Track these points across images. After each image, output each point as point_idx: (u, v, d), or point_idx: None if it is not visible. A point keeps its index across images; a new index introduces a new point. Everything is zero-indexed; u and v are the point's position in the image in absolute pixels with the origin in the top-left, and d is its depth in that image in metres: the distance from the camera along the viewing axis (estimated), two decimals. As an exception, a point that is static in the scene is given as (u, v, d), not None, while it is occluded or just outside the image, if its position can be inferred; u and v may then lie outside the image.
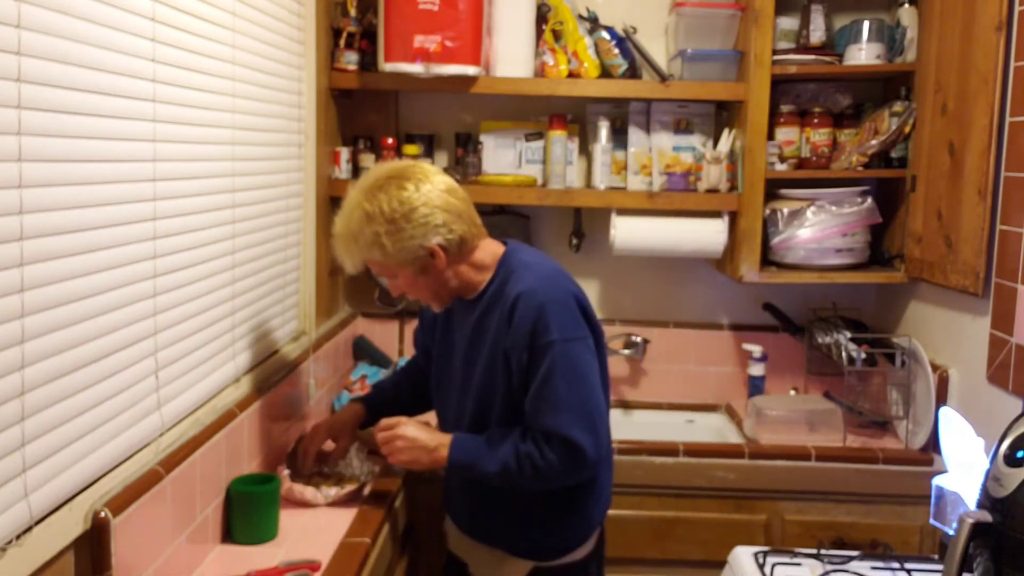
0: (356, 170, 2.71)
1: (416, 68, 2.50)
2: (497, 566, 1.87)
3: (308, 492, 2.00)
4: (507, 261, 1.79)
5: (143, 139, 1.48)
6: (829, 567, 1.74)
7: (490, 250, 1.81)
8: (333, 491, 2.01)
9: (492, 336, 1.75)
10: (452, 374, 1.87)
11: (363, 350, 2.88)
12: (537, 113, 2.81)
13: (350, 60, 2.61)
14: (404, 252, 1.69)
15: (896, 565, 1.75)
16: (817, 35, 2.63)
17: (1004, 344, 2.05)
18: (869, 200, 2.63)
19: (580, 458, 1.67)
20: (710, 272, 2.90)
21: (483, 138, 2.78)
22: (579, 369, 1.68)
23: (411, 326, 2.91)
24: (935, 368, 2.42)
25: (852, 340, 2.60)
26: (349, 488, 2.02)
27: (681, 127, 2.78)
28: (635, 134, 2.78)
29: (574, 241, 2.88)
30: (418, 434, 1.79)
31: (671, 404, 2.92)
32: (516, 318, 1.69)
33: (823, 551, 1.80)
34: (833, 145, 2.70)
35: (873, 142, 2.58)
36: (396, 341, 2.94)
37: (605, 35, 2.67)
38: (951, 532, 1.62)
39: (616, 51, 2.66)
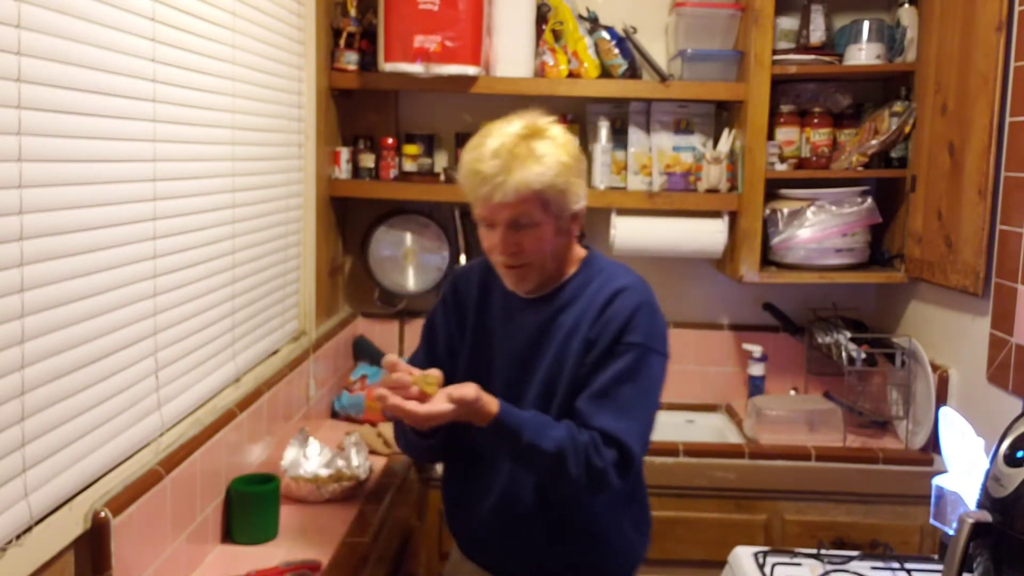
0: (356, 170, 2.72)
1: (416, 68, 2.50)
2: None
3: (305, 488, 2.00)
4: (594, 262, 1.71)
5: (143, 139, 1.48)
6: (829, 567, 1.74)
7: (577, 247, 1.73)
8: (331, 487, 2.01)
9: (568, 331, 1.62)
10: (490, 377, 1.64)
11: (363, 350, 2.88)
12: (537, 113, 2.80)
13: (350, 60, 2.61)
14: (574, 200, 1.61)
15: (896, 565, 1.75)
16: (817, 35, 2.63)
17: (1004, 344, 2.05)
18: (869, 200, 2.63)
19: (626, 469, 1.56)
20: (710, 272, 2.90)
21: (483, 138, 2.77)
22: (652, 382, 1.60)
23: (411, 326, 2.92)
24: (935, 368, 2.42)
25: (852, 340, 2.60)
26: (347, 485, 2.02)
27: (681, 127, 2.78)
28: (635, 134, 2.78)
29: (574, 241, 2.88)
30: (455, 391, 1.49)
31: (671, 404, 2.91)
32: (612, 310, 1.60)
33: (823, 551, 1.80)
34: (833, 145, 2.70)
35: (873, 142, 2.58)
36: (396, 341, 2.94)
37: (605, 35, 2.67)
38: (951, 532, 1.62)
39: (616, 51, 2.66)
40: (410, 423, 1.48)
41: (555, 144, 1.56)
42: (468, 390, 1.45)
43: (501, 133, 1.57)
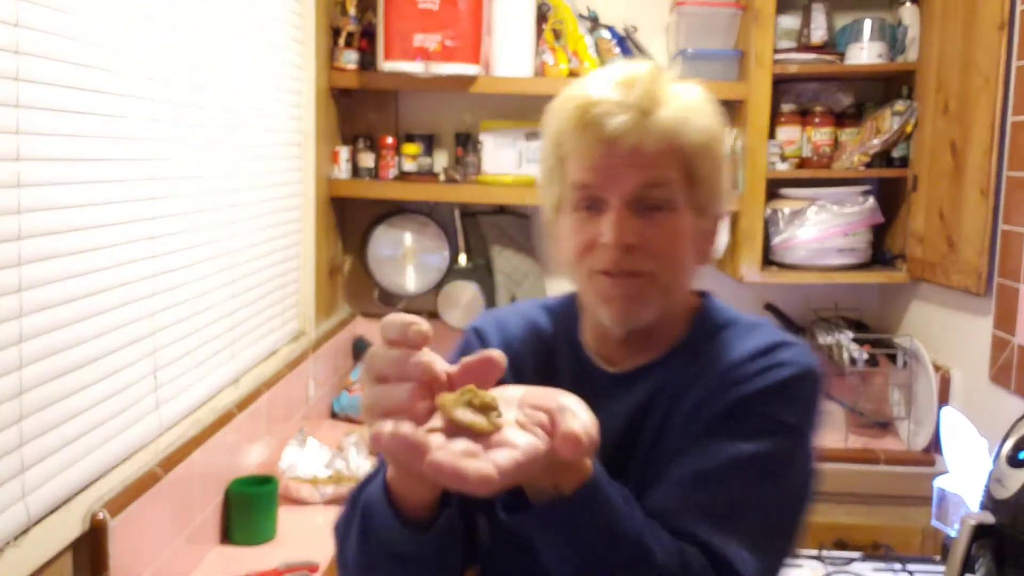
0: (356, 169, 2.71)
1: (416, 67, 2.49)
2: None
3: (304, 490, 2.00)
4: (716, 312, 1.08)
5: (141, 138, 1.48)
6: (831, 568, 1.73)
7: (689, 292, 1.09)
8: (330, 489, 2.00)
9: (681, 422, 0.97)
10: None
11: (363, 350, 2.88)
12: (537, 112, 2.75)
13: (349, 59, 2.60)
14: (724, 191, 1.04)
15: (898, 566, 1.75)
16: (818, 34, 2.62)
17: (1006, 344, 2.05)
18: (871, 200, 2.62)
19: None
20: (711, 272, 2.90)
21: (483, 137, 2.77)
22: (797, 489, 0.97)
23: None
24: (937, 368, 2.41)
25: (854, 340, 2.60)
26: (347, 486, 2.02)
27: (682, 127, 2.77)
28: (636, 134, 2.77)
29: (574, 241, 2.87)
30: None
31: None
32: (756, 373, 0.96)
33: (824, 552, 1.79)
34: (834, 144, 2.69)
35: (875, 141, 2.57)
36: (396, 341, 2.93)
37: (605, 34, 2.66)
38: (953, 534, 1.61)
39: (616, 50, 2.66)
40: (451, 485, 0.65)
41: (711, 102, 1.03)
42: (584, 417, 0.71)
43: (624, 67, 1.02)
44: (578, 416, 0.69)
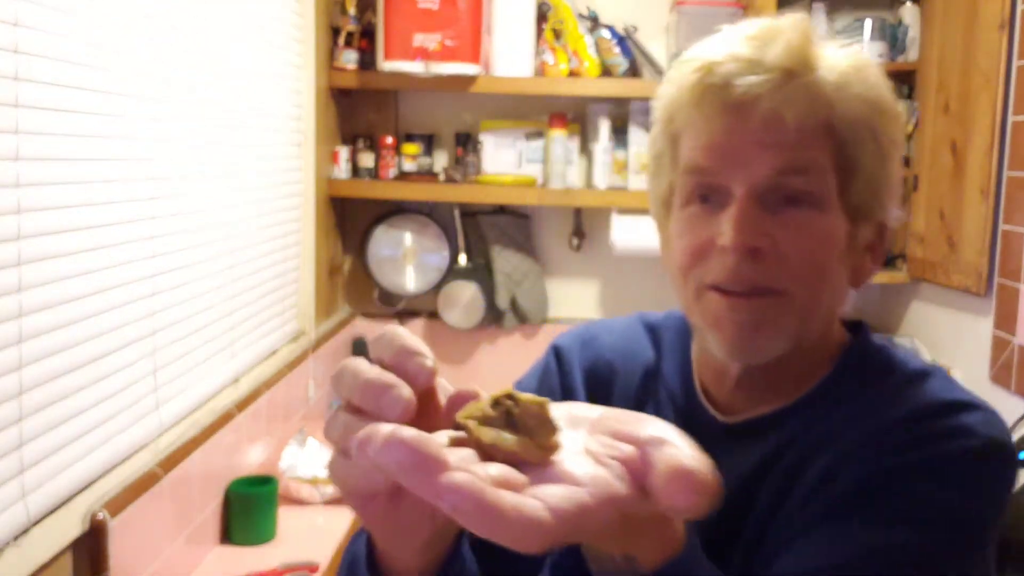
0: (356, 169, 2.71)
1: (416, 67, 2.49)
2: None
3: (304, 490, 2.00)
4: (869, 353, 0.82)
5: (140, 138, 1.47)
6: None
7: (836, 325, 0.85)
8: (331, 489, 2.00)
9: (814, 485, 0.73)
10: None
11: (363, 350, 2.87)
12: (537, 112, 2.80)
13: (349, 59, 2.60)
14: (892, 187, 0.78)
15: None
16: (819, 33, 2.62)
17: (1007, 344, 2.04)
18: (870, 200, 2.62)
19: None
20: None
21: (483, 137, 2.77)
22: None
23: (411, 326, 2.91)
24: (937, 368, 2.41)
25: (853, 340, 2.59)
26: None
27: (682, 126, 2.77)
28: (636, 133, 2.77)
29: (574, 241, 2.87)
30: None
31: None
32: (928, 451, 0.72)
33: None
34: (834, 144, 2.69)
35: (875, 141, 2.57)
36: (396, 341, 2.92)
37: (605, 34, 2.66)
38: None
39: (617, 50, 2.65)
40: (478, 527, 0.39)
41: (879, 70, 0.77)
42: (696, 454, 0.44)
43: (761, 20, 0.77)
44: (686, 452, 0.43)
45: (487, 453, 0.43)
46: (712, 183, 0.74)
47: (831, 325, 0.82)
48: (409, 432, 0.40)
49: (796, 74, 0.71)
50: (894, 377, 0.78)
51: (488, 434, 0.44)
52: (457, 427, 0.45)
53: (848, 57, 0.75)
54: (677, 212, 0.78)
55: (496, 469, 0.42)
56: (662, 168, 0.80)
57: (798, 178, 0.72)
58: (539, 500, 0.40)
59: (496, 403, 0.45)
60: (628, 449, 0.44)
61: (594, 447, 0.45)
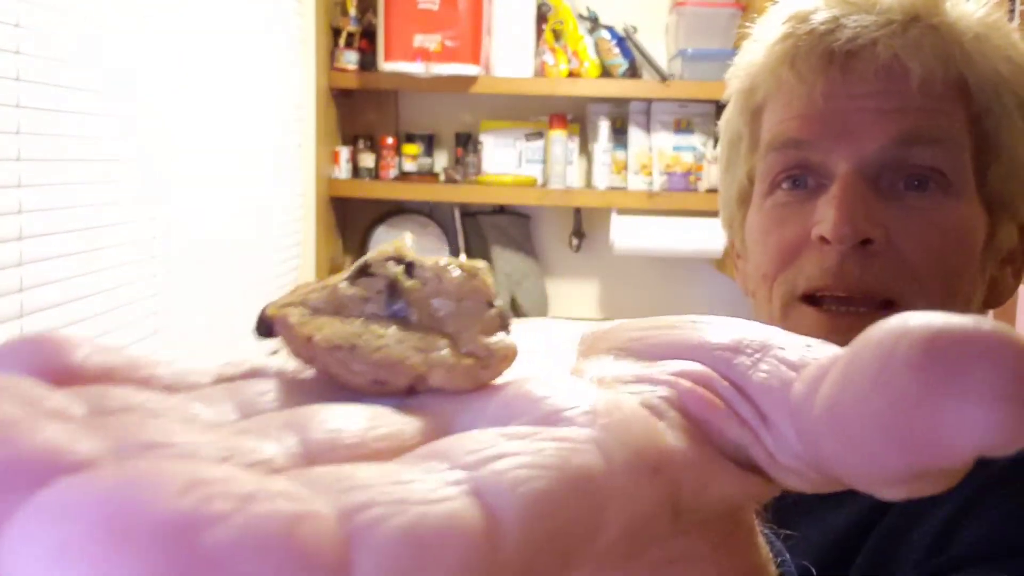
0: (356, 170, 2.71)
1: (416, 68, 2.50)
2: None
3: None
4: None
5: (141, 139, 1.48)
6: (830, 568, 1.73)
7: None
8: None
9: (923, 554, 0.55)
10: None
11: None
12: (537, 113, 2.80)
13: (350, 60, 2.61)
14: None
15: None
16: (818, 35, 2.63)
17: (1005, 344, 2.05)
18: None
19: None
20: (711, 272, 2.90)
21: (483, 138, 2.77)
22: None
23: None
24: (936, 368, 2.41)
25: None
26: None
27: (681, 127, 2.77)
28: (635, 134, 2.78)
29: (574, 241, 2.88)
30: None
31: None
32: None
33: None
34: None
35: (874, 142, 2.57)
36: (396, 341, 2.93)
37: (605, 35, 2.66)
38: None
39: (616, 51, 2.66)
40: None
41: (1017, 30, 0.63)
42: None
43: None
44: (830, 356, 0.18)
45: (333, 377, 0.20)
46: (807, 160, 0.57)
47: None
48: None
49: (920, 17, 0.55)
50: None
51: (336, 330, 0.20)
52: (266, 326, 0.23)
53: (982, 8, 0.59)
54: (757, 203, 0.61)
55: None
56: (738, 157, 0.64)
57: (925, 150, 0.55)
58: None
59: (363, 271, 0.21)
60: (693, 369, 0.20)
61: (610, 371, 0.20)
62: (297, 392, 0.20)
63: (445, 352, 0.18)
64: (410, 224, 2.83)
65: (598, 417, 0.15)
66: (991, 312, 0.64)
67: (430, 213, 2.84)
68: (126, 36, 1.42)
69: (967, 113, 0.56)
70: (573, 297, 2.92)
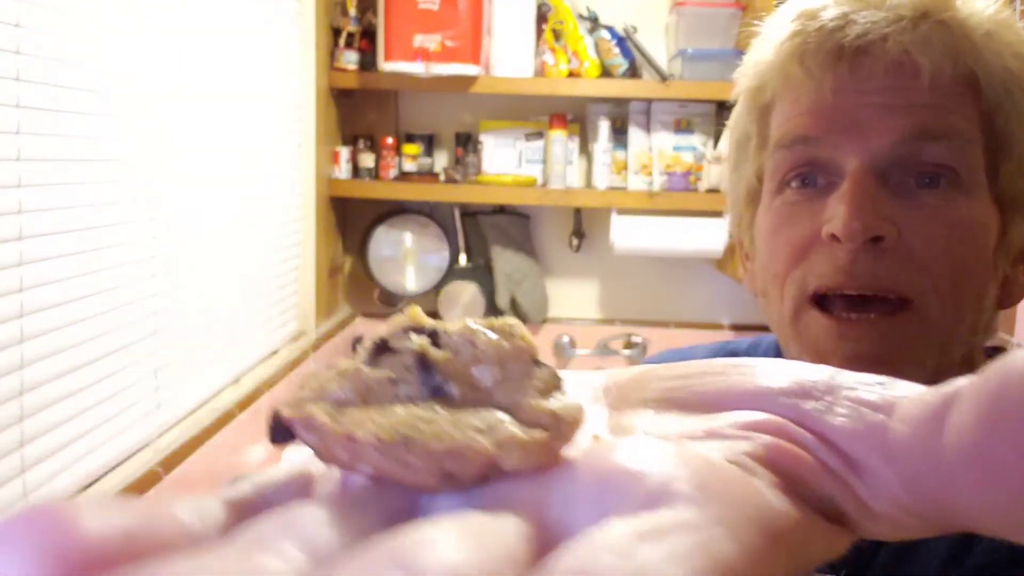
0: (356, 170, 2.71)
1: (416, 68, 2.50)
2: None
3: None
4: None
5: (141, 139, 1.48)
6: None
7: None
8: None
9: (927, 568, 0.56)
10: None
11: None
12: (537, 113, 2.80)
13: (350, 60, 2.61)
14: None
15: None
16: (818, 34, 2.63)
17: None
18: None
19: None
20: (711, 272, 2.90)
21: (483, 138, 2.77)
22: None
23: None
24: (936, 368, 2.41)
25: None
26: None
27: (681, 127, 2.78)
28: (635, 134, 2.78)
29: (574, 241, 2.88)
30: None
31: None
32: None
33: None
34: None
35: (874, 142, 2.57)
36: (396, 341, 2.93)
37: (605, 35, 2.66)
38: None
39: (616, 51, 2.66)
40: None
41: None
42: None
43: None
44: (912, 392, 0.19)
45: (386, 477, 0.18)
46: (816, 157, 0.57)
47: (974, 355, 0.60)
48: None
49: (930, 13, 0.54)
50: None
51: (379, 422, 0.18)
52: (284, 431, 0.22)
53: (992, 4, 0.58)
54: (767, 202, 0.61)
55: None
56: (746, 156, 0.64)
57: (936, 147, 0.54)
58: None
59: (382, 349, 0.21)
60: (763, 420, 0.18)
61: (665, 427, 0.19)
62: (351, 509, 0.16)
63: (512, 428, 0.16)
64: (410, 224, 2.83)
65: (705, 488, 0.14)
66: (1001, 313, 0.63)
67: (430, 213, 2.84)
68: (126, 36, 1.42)
69: (978, 110, 0.55)
70: (573, 297, 2.92)
